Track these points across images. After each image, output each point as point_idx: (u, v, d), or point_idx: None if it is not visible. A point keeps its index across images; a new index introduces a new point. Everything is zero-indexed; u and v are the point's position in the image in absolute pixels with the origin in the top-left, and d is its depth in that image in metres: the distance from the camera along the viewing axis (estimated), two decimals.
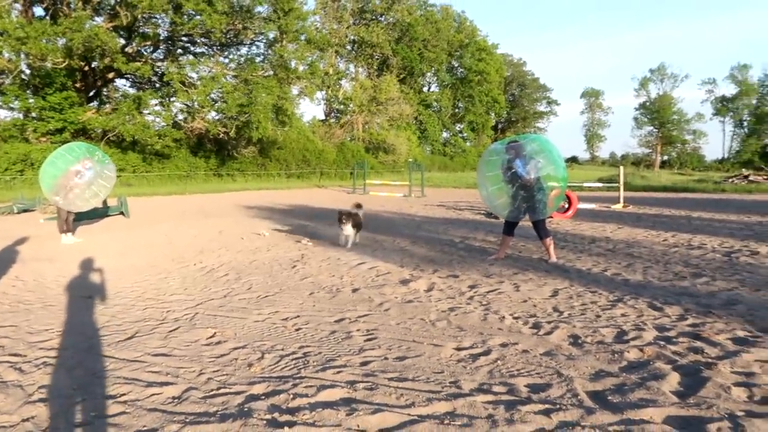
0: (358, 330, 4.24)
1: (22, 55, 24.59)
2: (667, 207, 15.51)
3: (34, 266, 7.18)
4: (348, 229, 8.50)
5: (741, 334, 3.85)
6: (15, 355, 3.76)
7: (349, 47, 55.05)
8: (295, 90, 37.27)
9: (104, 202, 12.88)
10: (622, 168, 18.11)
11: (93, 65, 28.74)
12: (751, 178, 29.36)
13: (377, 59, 56.02)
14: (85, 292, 5.72)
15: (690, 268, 6.41)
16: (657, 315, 4.45)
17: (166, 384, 3.21)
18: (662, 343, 3.72)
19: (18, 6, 26.40)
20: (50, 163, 9.58)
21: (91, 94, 31.23)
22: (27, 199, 15.52)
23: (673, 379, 3.08)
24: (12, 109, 27.60)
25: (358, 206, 9.23)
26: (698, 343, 3.67)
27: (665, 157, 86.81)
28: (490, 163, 7.50)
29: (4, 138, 26.11)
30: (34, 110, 26.44)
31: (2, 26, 22.58)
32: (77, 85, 28.48)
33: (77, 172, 9.36)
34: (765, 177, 29.23)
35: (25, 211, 14.45)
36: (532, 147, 7.07)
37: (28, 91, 27.04)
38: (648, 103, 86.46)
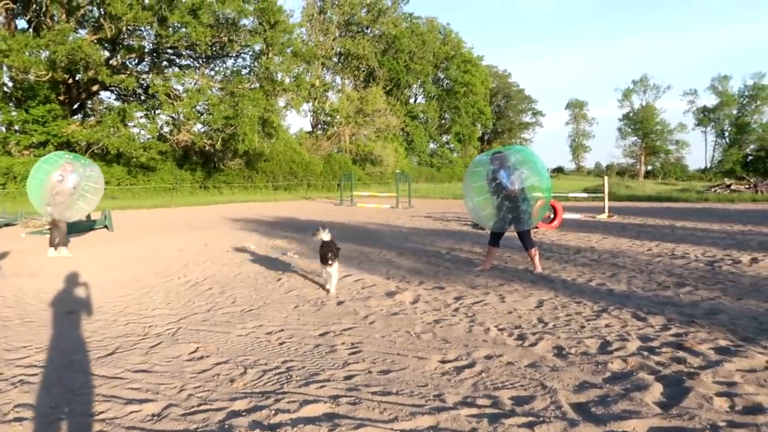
0: (342, 343, 4.21)
1: (5, 68, 24.41)
2: (652, 216, 15.65)
3: (14, 281, 7.06)
4: (335, 268, 6.16)
5: (723, 343, 3.88)
6: None
7: (335, 59, 55.25)
8: (281, 102, 37.26)
9: (88, 216, 12.76)
10: (606, 178, 18.28)
11: (77, 78, 28.57)
12: (733, 187, 29.77)
13: (363, 71, 56.26)
14: (66, 308, 5.63)
15: (673, 278, 6.46)
16: (641, 325, 4.46)
17: (146, 401, 3.16)
18: (646, 353, 3.73)
19: (0, 19, 26.22)
20: (32, 176, 9.50)
21: (75, 106, 31.03)
22: (8, 213, 15.29)
23: (656, 390, 3.09)
24: None
25: (324, 228, 6.59)
26: (681, 353, 3.69)
27: (649, 167, 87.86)
28: (475, 174, 7.53)
29: None
30: (17, 123, 26.19)
31: None
32: (61, 97, 28.27)
33: (59, 176, 9.21)
34: (747, 186, 29.64)
35: (6, 225, 14.24)
36: (516, 158, 7.12)
37: (10, 104, 26.80)
38: (631, 114, 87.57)
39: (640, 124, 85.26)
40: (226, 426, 2.80)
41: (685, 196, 25.90)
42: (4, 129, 27.32)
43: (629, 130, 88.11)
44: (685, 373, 3.33)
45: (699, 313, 4.76)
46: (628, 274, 6.78)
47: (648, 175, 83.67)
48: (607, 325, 4.49)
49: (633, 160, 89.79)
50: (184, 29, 27.60)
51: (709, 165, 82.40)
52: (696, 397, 2.94)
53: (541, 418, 2.77)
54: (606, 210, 16.14)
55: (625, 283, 6.26)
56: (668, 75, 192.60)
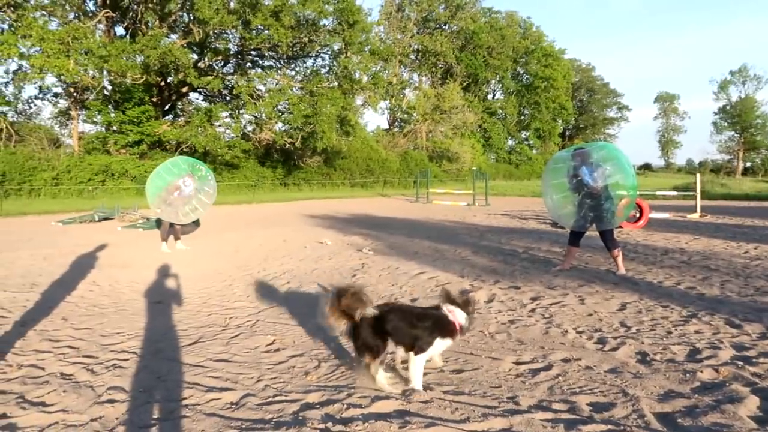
0: None
1: (105, 72, 26.19)
2: (750, 217, 14.57)
3: (110, 272, 7.57)
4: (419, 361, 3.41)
5: None
6: (88, 356, 3.96)
7: (412, 56, 55.26)
8: (359, 100, 37.76)
9: None
10: (698, 175, 17.18)
11: (168, 80, 30.26)
12: None
13: (441, 68, 55.93)
14: (155, 298, 5.97)
15: None
16: (735, 333, 4.16)
17: (226, 389, 3.29)
18: (740, 363, 3.47)
19: (101, 26, 28.17)
20: (157, 176, 9.87)
21: (166, 107, 32.87)
22: (107, 207, 16.42)
23: (752, 403, 2.85)
24: (95, 122, 29.45)
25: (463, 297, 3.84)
26: None
27: (748, 164, 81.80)
28: (555, 171, 7.31)
29: (88, 150, 27.84)
30: (115, 123, 28.07)
31: (87, 45, 24.13)
32: (154, 99, 30.04)
33: (177, 187, 9.63)
34: None
35: (105, 219, 15.29)
36: (599, 154, 6.83)
37: (109, 106, 28.77)
38: (728, 107, 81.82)
39: (738, 118, 79.44)
40: (300, 417, 2.85)
41: None
42: (103, 129, 29.36)
43: (725, 124, 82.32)
44: None
45: None
46: (722, 278, 6.33)
47: (746, 172, 77.91)
48: (696, 332, 4.21)
49: (729, 156, 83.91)
50: (266, 31, 28.53)
51: None
52: None
53: (622, 427, 2.63)
54: (698, 209, 15.20)
55: (717, 287, 5.86)
56: None
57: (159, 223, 10.67)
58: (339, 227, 13.46)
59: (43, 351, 4.07)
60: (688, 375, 3.31)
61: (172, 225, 9.91)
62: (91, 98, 27.30)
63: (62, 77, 25.20)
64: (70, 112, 29.34)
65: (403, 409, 2.92)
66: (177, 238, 10.04)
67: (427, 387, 3.22)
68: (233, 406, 3.05)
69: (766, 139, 79.56)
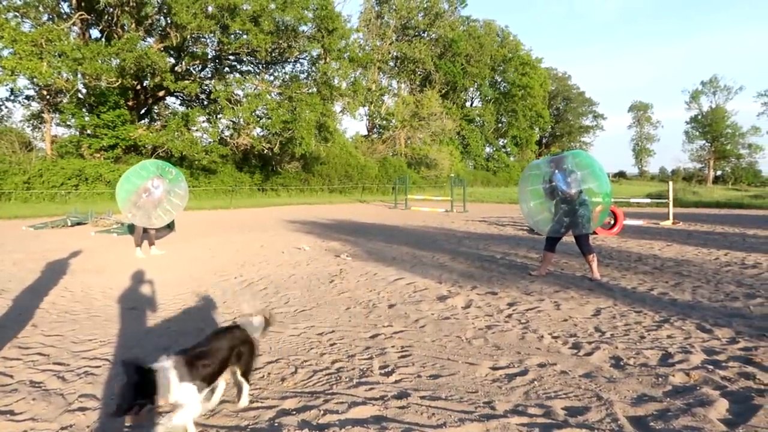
0: (392, 346, 4.20)
1: (79, 75, 25.78)
2: (720, 224, 14.90)
3: (82, 277, 7.43)
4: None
5: None
6: (59, 363, 3.88)
7: (391, 63, 55.47)
8: (337, 106, 37.78)
9: None
10: (671, 183, 17.52)
11: (144, 84, 29.89)
12: None
13: (420, 75, 56.25)
14: (129, 304, 5.87)
15: (743, 288, 6.11)
16: (706, 337, 4.24)
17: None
18: (710, 367, 3.54)
19: (76, 29, 27.75)
20: (126, 180, 9.74)
21: (142, 111, 32.46)
22: (80, 212, 16.13)
23: (722, 406, 2.92)
24: (69, 126, 28.99)
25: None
26: (750, 368, 3.48)
27: (719, 172, 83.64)
28: (530, 178, 7.40)
29: (61, 154, 27.35)
30: (89, 127, 27.64)
31: (61, 48, 23.74)
32: (129, 103, 29.64)
33: (146, 189, 9.53)
34: None
35: (78, 224, 15.02)
36: (573, 161, 6.94)
37: (83, 109, 28.30)
38: (700, 117, 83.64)
39: (709, 127, 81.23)
40: (276, 424, 2.83)
41: (759, 202, 24.51)
42: (77, 133, 28.87)
43: (697, 133, 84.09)
44: (754, 389, 3.14)
45: None
46: (693, 284, 6.46)
47: (717, 180, 79.65)
48: (669, 337, 4.29)
49: (701, 164, 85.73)
50: (245, 36, 28.42)
51: None
52: (766, 415, 2.76)
53: (596, 430, 2.67)
54: (670, 216, 15.50)
55: (689, 292, 5.97)
56: (740, 76, 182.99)
57: (132, 228, 10.53)
58: (317, 233, 13.41)
59: (11, 358, 3.97)
60: (660, 379, 3.36)
61: (145, 230, 9.79)
62: (64, 101, 26.86)
63: (35, 79, 24.75)
64: (43, 115, 28.83)
65: (380, 415, 2.91)
66: (151, 243, 9.91)
67: (403, 392, 3.22)
68: (209, 412, 3.01)
69: (735, 148, 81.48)
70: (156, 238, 10.17)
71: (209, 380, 2.79)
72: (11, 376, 3.59)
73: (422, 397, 3.15)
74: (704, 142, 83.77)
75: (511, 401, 3.08)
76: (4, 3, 24.29)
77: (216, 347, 2.87)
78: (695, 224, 14.93)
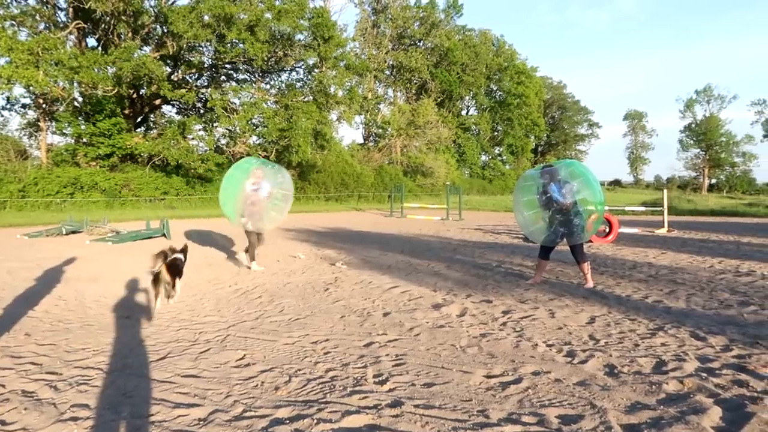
0: (387, 355, 4.19)
1: (75, 84, 25.80)
2: (715, 232, 14.96)
3: (77, 286, 7.39)
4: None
5: None
6: (52, 373, 3.85)
7: (387, 72, 55.70)
8: (333, 115, 37.86)
9: (147, 224, 13.23)
10: (666, 191, 17.60)
11: (141, 92, 29.94)
12: None
13: (416, 83, 56.46)
14: (123, 313, 5.85)
15: (737, 296, 6.14)
16: (700, 345, 4.25)
17: (194, 405, 3.23)
18: (704, 375, 3.55)
19: (72, 37, 27.80)
20: (225, 187, 9.05)
21: (139, 120, 32.49)
22: (75, 221, 16.07)
23: (715, 414, 2.92)
24: (65, 134, 28.97)
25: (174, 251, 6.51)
26: (743, 376, 3.49)
27: (713, 180, 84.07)
28: (525, 189, 7.42)
29: (57, 162, 27.31)
30: (85, 136, 27.63)
31: (57, 57, 23.78)
32: (126, 111, 29.65)
33: (253, 184, 8.64)
34: None
35: (73, 232, 14.95)
36: (567, 171, 6.97)
37: (80, 118, 28.32)
38: (694, 125, 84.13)
39: (704, 136, 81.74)
40: None
41: (753, 210, 24.65)
42: (73, 141, 28.85)
43: (691, 141, 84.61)
44: (748, 397, 3.14)
45: (764, 334, 4.50)
46: (688, 292, 6.48)
47: (712, 188, 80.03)
48: (662, 344, 4.30)
49: (695, 173, 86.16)
50: (241, 45, 28.53)
51: None
52: (759, 423, 2.77)
53: None
54: (665, 224, 15.55)
55: (683, 300, 5.99)
56: (734, 85, 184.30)
57: (133, 237, 10.38)
58: (312, 241, 13.40)
59: (3, 368, 3.94)
60: (654, 387, 3.37)
61: (258, 236, 8.98)
62: (60, 110, 26.86)
63: (31, 88, 24.78)
64: (39, 123, 28.84)
65: (374, 424, 2.91)
66: (252, 258, 9.05)
67: (397, 400, 3.22)
68: (201, 422, 3.00)
69: (730, 156, 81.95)
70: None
71: None
72: (3, 386, 3.57)
73: (416, 406, 3.14)
74: (699, 150, 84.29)
75: (505, 409, 3.08)
76: (1, 12, 24.31)
77: None
78: (690, 232, 14.98)
